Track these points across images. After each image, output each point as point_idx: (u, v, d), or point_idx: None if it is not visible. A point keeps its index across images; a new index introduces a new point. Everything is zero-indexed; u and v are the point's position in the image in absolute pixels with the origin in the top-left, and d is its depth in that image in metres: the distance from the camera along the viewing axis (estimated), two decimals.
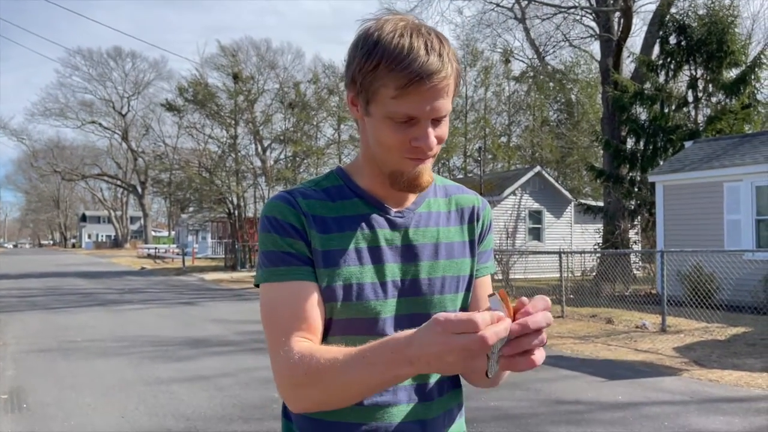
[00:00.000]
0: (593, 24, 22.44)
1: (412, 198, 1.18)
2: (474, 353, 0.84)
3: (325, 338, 1.10)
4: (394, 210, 1.16)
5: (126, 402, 5.60)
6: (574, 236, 21.86)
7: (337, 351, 0.99)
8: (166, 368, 7.04)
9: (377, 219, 1.15)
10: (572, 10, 23.18)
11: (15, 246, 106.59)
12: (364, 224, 1.13)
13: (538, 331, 0.88)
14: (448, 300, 1.17)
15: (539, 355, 0.89)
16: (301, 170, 32.42)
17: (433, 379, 1.16)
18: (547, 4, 23.51)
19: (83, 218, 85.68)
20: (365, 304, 1.10)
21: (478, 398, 5.47)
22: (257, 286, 1.13)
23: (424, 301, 1.14)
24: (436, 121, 1.06)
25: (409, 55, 1.00)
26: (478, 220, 1.25)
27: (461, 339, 0.83)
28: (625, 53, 20.12)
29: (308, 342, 1.04)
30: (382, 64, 1.02)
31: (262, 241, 1.11)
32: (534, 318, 0.87)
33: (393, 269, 1.13)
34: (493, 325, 0.84)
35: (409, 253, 1.15)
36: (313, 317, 1.07)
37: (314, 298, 1.08)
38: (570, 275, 13.89)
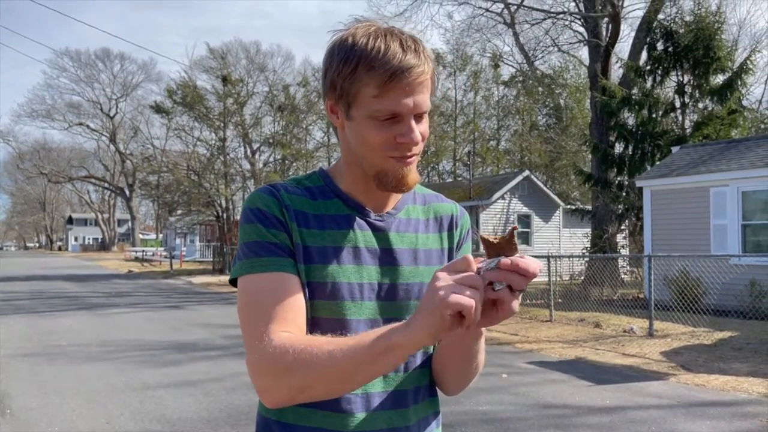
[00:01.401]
0: (582, 29, 22.60)
1: (392, 203, 1.18)
2: (470, 286, 0.87)
3: None
4: (374, 214, 1.16)
5: (111, 407, 5.54)
6: (563, 240, 21.96)
7: (322, 337, 0.98)
8: (153, 373, 6.97)
9: (357, 221, 1.14)
10: (561, 16, 23.32)
11: (0, 249, 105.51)
12: (344, 224, 1.13)
13: (526, 274, 0.89)
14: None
15: (516, 304, 0.93)
16: (290, 173, 32.37)
17: (409, 386, 1.15)
18: (537, 10, 23.65)
19: (70, 221, 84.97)
20: (339, 305, 1.08)
21: (466, 402, 5.46)
22: (233, 282, 1.10)
23: (400, 306, 1.13)
24: (418, 117, 1.07)
25: (386, 53, 1.02)
26: (455, 228, 1.25)
27: (458, 278, 0.88)
28: (613, 59, 20.27)
29: (292, 334, 1.01)
30: (360, 65, 1.03)
31: (245, 232, 1.09)
32: (525, 261, 0.89)
33: (371, 272, 1.12)
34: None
35: (387, 257, 1.14)
36: (297, 309, 1.04)
37: (298, 291, 1.05)
38: (558, 279, 13.94)
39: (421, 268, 1.17)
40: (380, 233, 1.15)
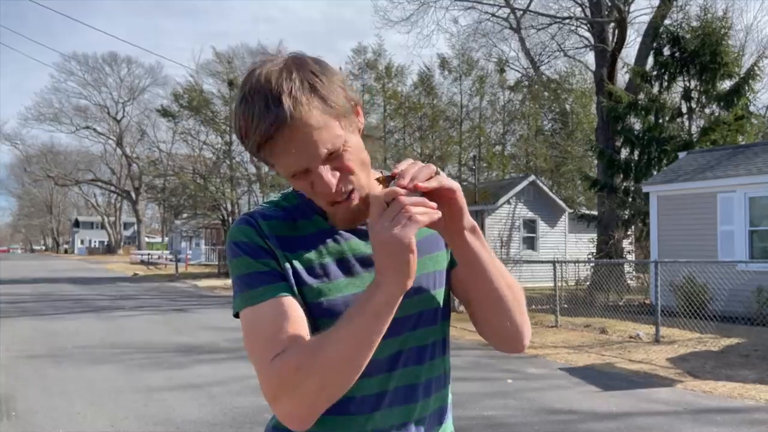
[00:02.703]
0: (588, 34, 22.59)
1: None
2: (399, 210, 0.92)
3: None
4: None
5: (116, 410, 5.54)
6: (568, 246, 21.88)
7: (317, 336, 1.00)
8: (157, 376, 6.98)
9: (341, 232, 1.13)
10: (567, 21, 23.33)
11: (6, 251, 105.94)
12: (328, 239, 1.12)
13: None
14: (427, 298, 1.15)
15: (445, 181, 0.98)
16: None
17: (421, 379, 1.15)
18: (543, 15, 23.66)
19: (76, 224, 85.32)
20: (336, 321, 1.06)
21: (471, 407, 5.44)
22: (236, 316, 1.10)
23: (405, 303, 1.08)
24: (332, 158, 1.02)
25: (264, 121, 0.98)
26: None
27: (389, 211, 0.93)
28: (619, 64, 20.23)
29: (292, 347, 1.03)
30: (257, 143, 1.00)
31: (235, 266, 1.08)
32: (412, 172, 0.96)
33: (364, 279, 1.10)
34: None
35: None
36: (297, 328, 1.03)
37: (296, 310, 1.05)
38: (564, 285, 13.89)
39: (418, 259, 1.15)
40: (367, 240, 1.12)
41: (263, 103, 0.98)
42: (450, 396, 1.24)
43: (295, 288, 1.07)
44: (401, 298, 0.97)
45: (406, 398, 1.13)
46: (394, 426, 1.12)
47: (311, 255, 1.10)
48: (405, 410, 1.13)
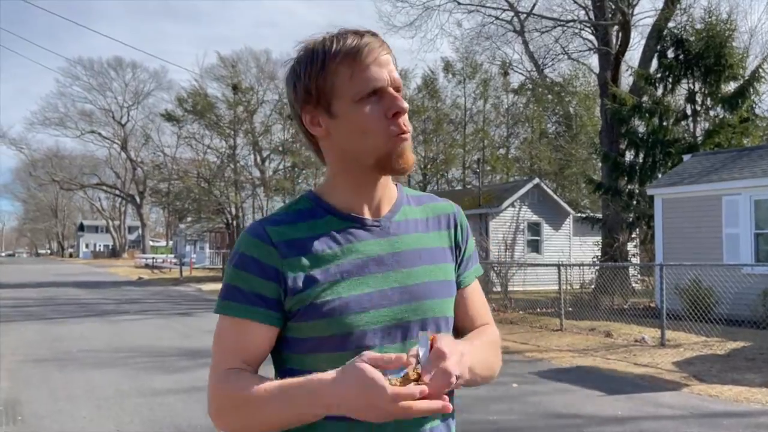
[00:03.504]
0: (592, 37, 22.55)
1: (386, 206, 1.18)
2: (384, 413, 0.93)
3: (308, 356, 1.11)
4: (371, 220, 1.16)
5: (121, 414, 5.56)
6: (573, 249, 21.83)
7: (263, 383, 1.04)
8: (163, 380, 6.99)
9: (354, 232, 1.14)
10: (571, 24, 23.31)
11: (12, 255, 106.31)
12: (340, 239, 1.13)
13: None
14: (438, 305, 1.16)
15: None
16: (300, 181, 32.47)
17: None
18: (546, 18, 23.66)
19: (81, 228, 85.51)
20: (350, 318, 1.08)
21: (476, 412, 5.43)
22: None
23: (415, 308, 1.13)
24: (397, 91, 1.10)
25: (345, 40, 1.09)
26: (456, 227, 1.26)
27: (375, 398, 0.92)
28: (623, 66, 20.23)
29: (241, 372, 1.09)
30: (327, 59, 1.08)
31: (229, 274, 1.13)
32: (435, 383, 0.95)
33: (377, 279, 1.11)
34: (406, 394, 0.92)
35: (391, 261, 1.14)
36: (252, 353, 1.11)
37: (259, 338, 1.11)
38: (569, 288, 13.86)
39: (426, 267, 1.17)
40: (380, 239, 1.15)
41: (355, 33, 1.10)
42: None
43: (299, 296, 1.09)
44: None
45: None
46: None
47: (323, 254, 1.11)
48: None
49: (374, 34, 1.10)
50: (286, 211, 1.16)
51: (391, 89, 1.09)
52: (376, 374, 0.93)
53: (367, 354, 0.96)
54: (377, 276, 1.12)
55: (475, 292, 1.28)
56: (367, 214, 1.16)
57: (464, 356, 1.02)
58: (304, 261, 1.10)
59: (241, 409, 1.05)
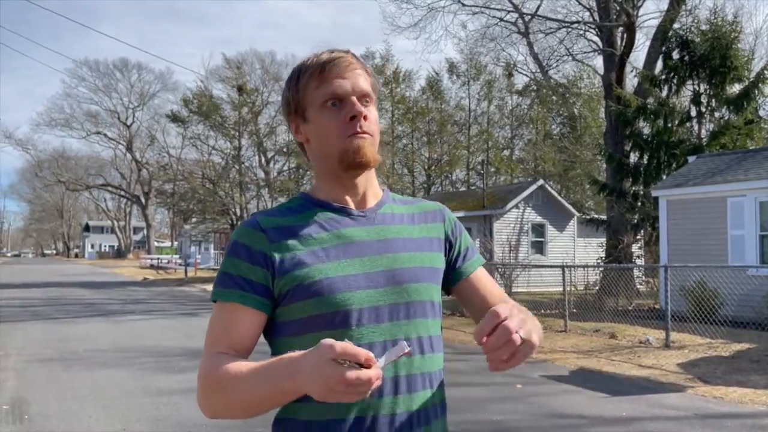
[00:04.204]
0: (596, 38, 22.54)
1: (373, 201, 1.29)
2: (349, 386, 0.93)
3: (297, 337, 1.17)
4: (357, 210, 1.26)
5: (127, 413, 5.59)
6: (577, 250, 21.80)
7: (246, 364, 1.10)
8: (168, 379, 7.02)
9: (340, 219, 1.24)
10: (575, 25, 23.28)
11: (17, 255, 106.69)
12: (326, 225, 1.22)
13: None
14: (424, 289, 1.23)
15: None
16: (304, 182, 32.48)
17: (416, 371, 1.19)
18: (551, 19, 23.63)
19: (86, 228, 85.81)
20: (335, 298, 1.15)
21: (481, 412, 5.44)
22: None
23: (400, 290, 1.20)
24: (362, 100, 1.22)
25: (316, 57, 1.25)
26: (444, 220, 1.35)
27: (341, 373, 0.93)
28: (628, 68, 20.18)
29: (227, 356, 1.14)
30: (300, 74, 1.25)
31: (224, 263, 1.22)
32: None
33: (363, 263, 1.19)
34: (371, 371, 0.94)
35: (377, 246, 1.22)
36: (239, 337, 1.17)
37: (246, 322, 1.17)
38: (573, 289, 13.85)
39: (414, 254, 1.25)
40: (366, 227, 1.24)
41: (328, 51, 1.27)
42: (445, 397, 1.29)
43: (265, 301, 1.17)
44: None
45: (408, 388, 1.18)
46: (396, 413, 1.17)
47: (310, 238, 1.20)
48: (401, 400, 1.17)
49: (347, 52, 1.26)
50: (279, 208, 1.28)
51: (353, 97, 1.21)
52: (341, 349, 0.94)
53: (341, 344, 0.96)
54: (363, 260, 1.19)
55: (483, 276, 1.35)
56: (353, 207, 1.26)
57: (525, 322, 1.03)
58: (292, 243, 1.19)
59: (224, 389, 1.09)
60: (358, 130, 1.20)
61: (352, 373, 0.93)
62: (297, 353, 1.02)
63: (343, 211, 1.24)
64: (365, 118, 1.21)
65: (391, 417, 1.16)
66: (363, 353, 0.94)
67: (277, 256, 1.17)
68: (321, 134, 1.23)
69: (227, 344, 1.17)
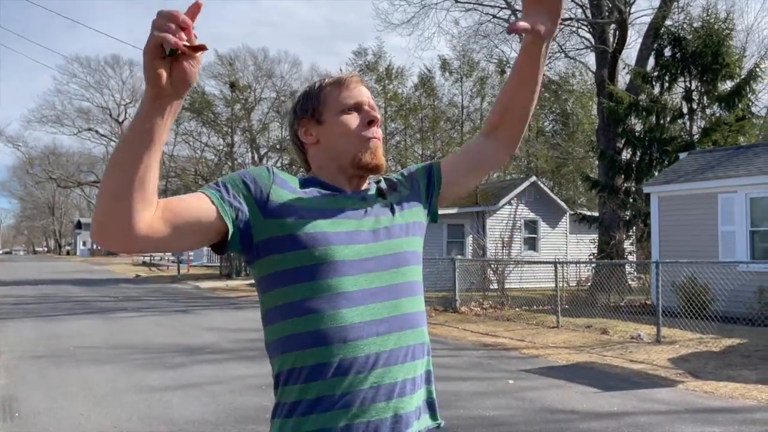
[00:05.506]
0: (589, 35, 22.59)
1: (364, 186, 1.47)
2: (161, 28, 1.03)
3: (290, 287, 1.27)
4: (351, 191, 1.43)
5: (119, 411, 5.57)
6: (570, 246, 21.88)
7: None
8: (160, 376, 7.00)
9: (336, 194, 1.39)
10: (568, 22, 23.31)
11: (9, 253, 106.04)
12: (327, 196, 1.38)
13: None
14: (406, 242, 1.40)
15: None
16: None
17: (406, 310, 1.34)
18: None
19: (78, 225, 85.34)
20: (328, 250, 1.28)
21: (473, 407, 5.46)
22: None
23: (387, 245, 1.36)
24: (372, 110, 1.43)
25: (336, 76, 1.47)
26: (409, 177, 1.55)
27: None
28: (620, 65, 20.24)
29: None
30: (324, 84, 1.46)
31: (229, 176, 1.33)
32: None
33: (352, 223, 1.34)
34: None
35: (371, 211, 1.39)
36: (181, 202, 1.23)
37: (201, 208, 1.23)
38: (565, 285, 13.90)
39: (405, 211, 1.45)
40: (361, 200, 1.40)
41: (341, 75, 1.49)
42: (428, 338, 1.41)
43: (232, 218, 1.26)
44: (148, 114, 1.08)
45: (393, 327, 1.30)
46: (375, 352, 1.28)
47: (307, 197, 1.35)
48: (384, 339, 1.29)
49: (357, 76, 1.47)
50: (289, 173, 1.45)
51: (367, 106, 1.43)
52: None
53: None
54: (353, 221, 1.34)
55: (447, 162, 1.57)
56: (348, 190, 1.42)
57: None
58: (290, 195, 1.33)
59: (108, 167, 1.11)
60: (375, 134, 1.42)
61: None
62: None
63: (340, 191, 1.40)
64: (377, 124, 1.43)
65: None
66: (179, 14, 1.05)
67: (273, 196, 1.30)
68: (341, 134, 1.40)
69: (169, 201, 1.21)
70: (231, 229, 1.25)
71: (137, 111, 1.10)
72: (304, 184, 1.39)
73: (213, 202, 1.24)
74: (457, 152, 1.61)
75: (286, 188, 1.33)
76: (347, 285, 1.27)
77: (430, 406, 1.39)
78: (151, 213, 1.14)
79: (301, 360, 1.25)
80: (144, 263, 42.76)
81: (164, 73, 1.06)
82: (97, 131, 61.96)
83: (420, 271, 1.43)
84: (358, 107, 1.42)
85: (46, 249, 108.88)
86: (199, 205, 1.24)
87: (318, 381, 1.23)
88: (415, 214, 1.47)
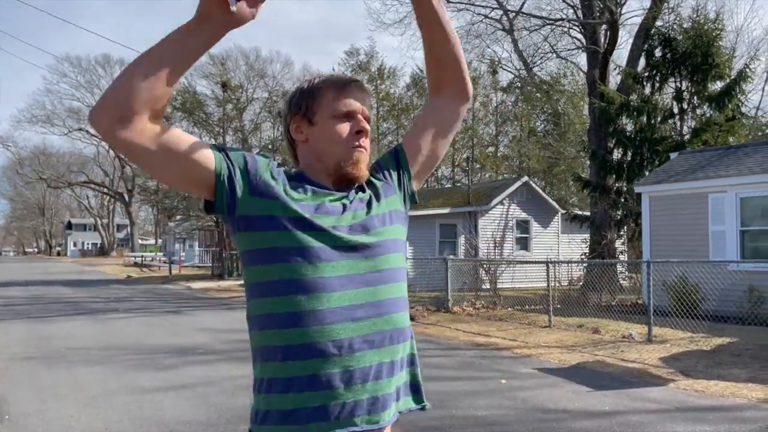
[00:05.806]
0: (580, 36, 22.66)
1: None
2: None
3: (274, 266, 1.32)
4: (336, 190, 1.47)
5: (110, 412, 5.54)
6: (561, 246, 21.96)
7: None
8: (151, 377, 6.97)
9: (321, 191, 1.43)
10: (559, 22, 23.40)
11: None
12: (311, 190, 1.42)
13: None
14: (388, 230, 1.44)
15: None
16: None
17: (387, 295, 1.38)
18: (535, 16, 23.72)
19: (69, 226, 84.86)
20: (308, 234, 1.32)
21: (464, 407, 5.46)
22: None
23: (368, 232, 1.40)
24: (366, 120, 1.46)
25: (337, 77, 1.48)
26: (381, 167, 1.58)
27: None
28: (611, 65, 20.32)
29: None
30: (323, 84, 1.46)
31: (235, 150, 1.40)
32: None
33: (333, 219, 1.38)
34: None
35: (355, 204, 1.43)
36: (184, 136, 1.30)
37: (198, 146, 1.31)
38: (557, 285, 13.94)
39: (383, 201, 1.48)
40: (343, 197, 1.44)
41: (344, 75, 1.52)
42: (408, 322, 1.46)
43: (221, 173, 1.33)
44: (201, 26, 1.27)
45: (370, 312, 1.34)
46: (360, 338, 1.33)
47: (294, 189, 1.39)
48: (360, 324, 1.32)
49: (359, 81, 1.50)
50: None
51: (360, 116, 1.45)
52: None
53: None
54: (333, 217, 1.38)
55: (408, 138, 1.59)
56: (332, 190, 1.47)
57: None
58: (279, 183, 1.38)
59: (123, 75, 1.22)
60: (361, 144, 1.44)
61: None
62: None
63: (326, 189, 1.44)
64: (366, 135, 1.45)
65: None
66: None
67: (265, 180, 1.36)
68: (329, 138, 1.43)
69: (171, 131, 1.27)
70: (218, 185, 1.32)
71: (178, 28, 1.24)
72: (293, 177, 1.45)
73: (213, 157, 1.32)
74: (416, 123, 1.61)
75: (279, 177, 1.39)
76: (325, 270, 1.31)
77: (414, 388, 1.43)
78: (151, 121, 1.22)
79: (279, 338, 1.30)
80: (135, 264, 42.57)
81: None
82: (87, 131, 61.62)
83: (402, 258, 1.46)
84: (350, 115, 1.43)
85: (36, 250, 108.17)
86: (200, 148, 1.30)
87: (295, 361, 1.27)
88: (392, 202, 1.51)
